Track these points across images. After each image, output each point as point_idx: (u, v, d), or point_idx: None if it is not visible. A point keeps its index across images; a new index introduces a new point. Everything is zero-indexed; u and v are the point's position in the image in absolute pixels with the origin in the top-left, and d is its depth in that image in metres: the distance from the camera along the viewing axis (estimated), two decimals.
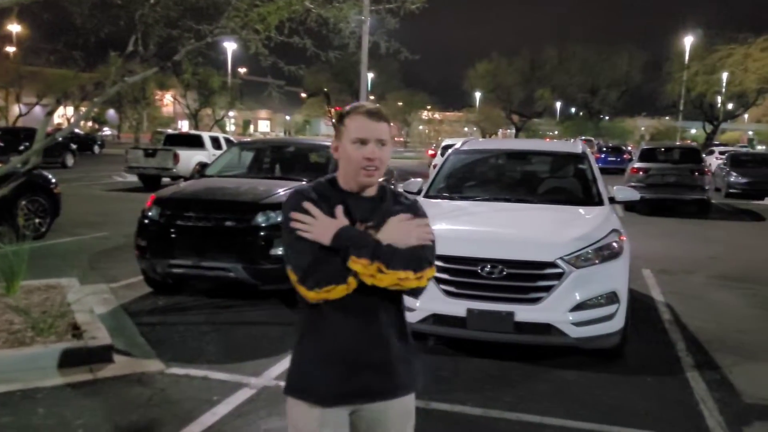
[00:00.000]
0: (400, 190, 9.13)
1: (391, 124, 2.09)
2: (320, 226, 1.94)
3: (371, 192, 2.08)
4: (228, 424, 3.91)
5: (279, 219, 6.22)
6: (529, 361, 5.08)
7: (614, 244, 4.98)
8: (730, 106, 42.69)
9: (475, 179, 6.72)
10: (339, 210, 1.98)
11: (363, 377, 2.02)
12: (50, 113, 6.55)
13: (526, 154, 6.97)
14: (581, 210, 5.73)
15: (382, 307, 2.04)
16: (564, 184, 6.53)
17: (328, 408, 2.02)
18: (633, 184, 15.92)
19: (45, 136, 6.58)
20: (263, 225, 6.23)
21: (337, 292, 1.92)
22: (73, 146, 27.57)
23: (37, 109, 41.64)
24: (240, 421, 3.97)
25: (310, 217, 1.95)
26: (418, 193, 6.36)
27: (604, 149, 36.83)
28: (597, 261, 4.83)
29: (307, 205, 1.96)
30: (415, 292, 2.00)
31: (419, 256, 1.98)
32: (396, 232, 1.97)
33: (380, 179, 2.08)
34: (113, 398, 4.28)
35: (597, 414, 4.18)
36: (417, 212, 2.10)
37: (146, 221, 6.60)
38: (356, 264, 1.90)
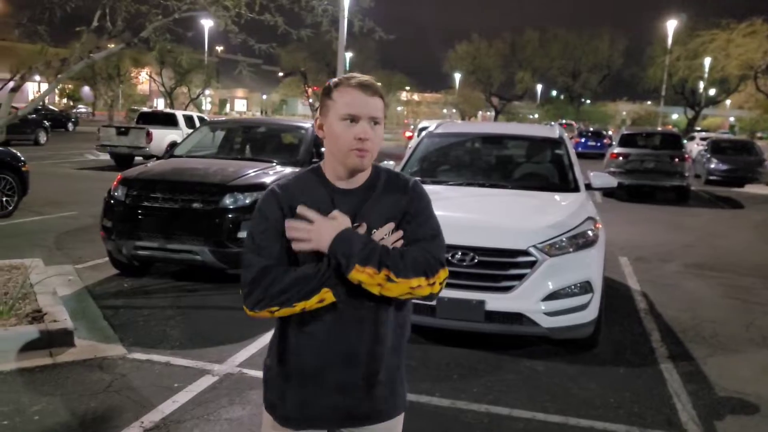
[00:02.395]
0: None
1: (385, 99, 1.82)
2: (318, 231, 1.69)
3: (362, 180, 1.82)
4: (188, 413, 3.78)
5: (247, 201, 6.15)
6: (500, 351, 4.99)
7: (589, 233, 4.87)
8: (712, 92, 42.91)
9: (448, 163, 6.57)
10: (337, 211, 1.74)
11: (340, 399, 1.81)
12: (14, 90, 6.27)
13: (501, 138, 6.83)
14: (557, 196, 5.62)
15: (373, 318, 1.79)
16: (540, 169, 6.41)
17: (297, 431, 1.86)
18: (612, 169, 15.92)
19: (8, 112, 6.31)
20: (231, 207, 6.06)
21: (281, 313, 1.71)
22: (47, 123, 27.07)
23: (11, 85, 40.73)
24: (200, 409, 3.83)
25: (304, 223, 1.70)
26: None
27: (584, 134, 36.81)
28: (571, 249, 4.72)
29: (303, 209, 1.72)
30: (429, 299, 1.77)
31: (431, 259, 1.73)
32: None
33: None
34: (72, 384, 4.13)
35: (566, 406, 4.09)
36: (413, 201, 1.83)
37: (112, 201, 6.41)
38: (361, 273, 1.65)
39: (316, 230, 1.69)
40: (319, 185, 1.80)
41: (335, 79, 1.79)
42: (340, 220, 1.71)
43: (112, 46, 6.79)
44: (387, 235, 1.76)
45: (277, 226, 1.74)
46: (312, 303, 1.69)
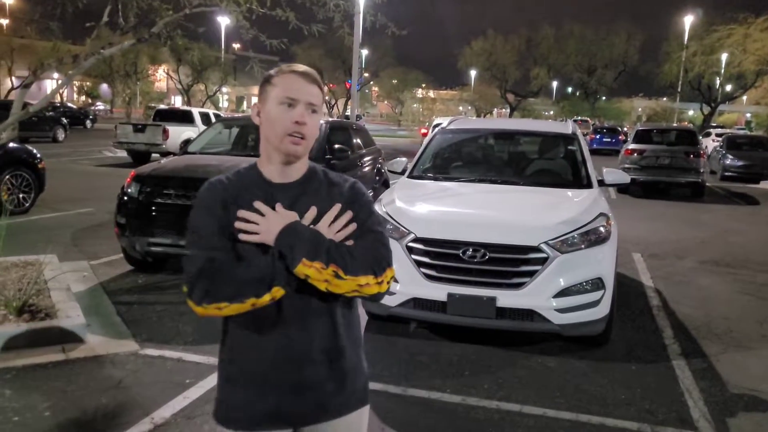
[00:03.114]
0: (386, 169, 8.90)
1: (324, 89, 1.82)
2: (266, 223, 1.67)
3: (298, 174, 1.79)
4: (198, 408, 3.81)
5: None
6: (511, 347, 4.98)
7: (601, 229, 4.85)
8: (728, 87, 42.45)
9: (461, 160, 6.56)
10: (279, 206, 1.71)
11: (291, 398, 1.75)
12: (26, 86, 6.34)
13: (514, 134, 6.80)
14: (569, 193, 5.59)
15: (324, 314, 1.76)
16: (552, 165, 6.38)
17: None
18: (627, 165, 15.83)
19: (21, 108, 6.38)
20: None
21: (233, 309, 1.63)
22: (65, 121, 27.33)
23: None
24: (211, 405, 3.83)
25: (255, 215, 1.68)
26: (403, 173, 6.21)
27: (600, 130, 36.58)
28: (583, 246, 4.70)
29: (256, 203, 1.70)
30: (375, 298, 1.74)
31: (379, 257, 1.72)
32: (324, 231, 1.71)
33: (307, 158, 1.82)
34: (84, 380, 4.17)
35: (577, 403, 4.08)
36: (355, 196, 1.80)
37: (125, 198, 6.46)
38: (309, 268, 1.62)
39: (265, 222, 1.67)
40: (257, 181, 1.77)
41: (276, 68, 1.80)
42: (288, 214, 1.70)
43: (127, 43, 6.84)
44: (332, 224, 1.74)
45: (221, 220, 1.70)
46: (264, 300, 1.64)
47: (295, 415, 1.78)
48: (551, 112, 71.42)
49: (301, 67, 1.78)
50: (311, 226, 1.71)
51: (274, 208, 1.71)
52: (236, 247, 1.69)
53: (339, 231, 1.73)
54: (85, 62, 5.92)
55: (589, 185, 5.73)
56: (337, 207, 1.75)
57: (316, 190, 1.80)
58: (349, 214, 1.75)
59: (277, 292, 1.65)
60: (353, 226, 1.75)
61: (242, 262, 1.68)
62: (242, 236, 1.69)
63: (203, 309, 1.65)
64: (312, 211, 1.73)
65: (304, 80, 1.74)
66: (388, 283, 1.73)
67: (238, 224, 1.69)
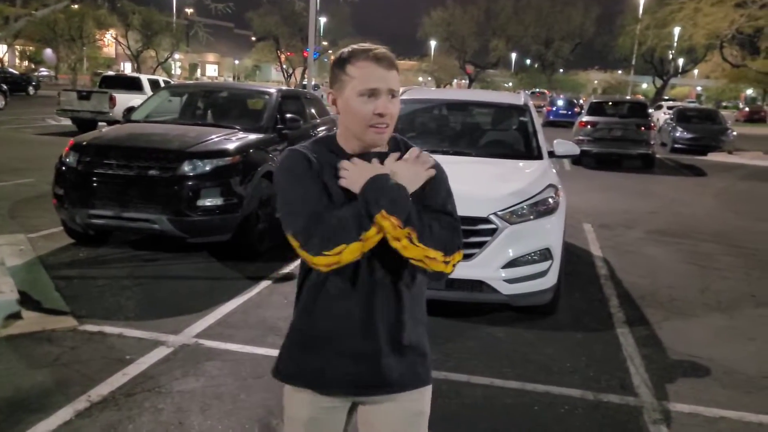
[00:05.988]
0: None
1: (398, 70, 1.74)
2: (355, 170, 1.67)
3: (380, 149, 1.77)
4: (139, 385, 3.69)
5: (207, 168, 6.00)
6: (461, 318, 4.99)
7: (550, 200, 4.86)
8: (680, 61, 43.25)
9: (414, 130, 6.46)
10: (376, 160, 1.70)
11: (354, 367, 1.76)
12: None
13: (467, 104, 6.74)
14: (520, 164, 5.59)
15: (392, 285, 1.75)
16: (504, 137, 6.35)
17: (321, 395, 1.81)
18: (581, 137, 16.03)
19: None
20: (190, 174, 5.89)
21: (350, 251, 1.61)
22: (5, 87, 26.18)
23: None
24: (152, 381, 3.75)
25: (348, 163, 1.69)
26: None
27: (556, 102, 36.93)
28: (532, 217, 4.70)
29: (354, 159, 1.71)
30: (437, 277, 1.71)
31: (452, 238, 1.71)
32: (405, 170, 1.69)
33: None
34: (18, 357, 4.01)
35: (524, 372, 4.12)
36: (437, 175, 1.77)
37: (63, 168, 6.20)
38: (385, 220, 1.60)
39: (355, 170, 1.67)
40: (336, 153, 1.75)
41: (348, 50, 1.71)
42: (379, 167, 1.68)
43: (85, 7, 6.50)
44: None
45: (311, 175, 1.69)
46: (371, 234, 1.62)
47: (352, 382, 1.78)
48: (510, 84, 71.81)
49: (378, 51, 1.69)
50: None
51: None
52: (332, 200, 1.69)
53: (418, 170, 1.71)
54: (15, 24, 5.60)
55: (539, 156, 5.73)
56: (417, 150, 1.74)
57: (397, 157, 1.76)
58: (429, 161, 1.74)
59: (382, 219, 1.61)
60: (431, 172, 1.73)
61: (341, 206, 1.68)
62: (340, 181, 1.69)
63: (324, 258, 1.61)
64: (393, 156, 1.71)
65: (382, 68, 1.67)
66: (454, 266, 1.71)
67: (335, 172, 1.70)
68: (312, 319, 1.79)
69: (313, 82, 19.79)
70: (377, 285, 1.74)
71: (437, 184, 1.76)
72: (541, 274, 4.69)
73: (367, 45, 1.71)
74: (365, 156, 1.74)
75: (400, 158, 1.73)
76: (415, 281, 1.80)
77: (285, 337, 1.90)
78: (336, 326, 1.75)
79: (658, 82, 44.15)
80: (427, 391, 1.87)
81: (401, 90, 7.87)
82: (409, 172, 1.68)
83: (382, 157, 1.73)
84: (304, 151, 1.74)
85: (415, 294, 1.82)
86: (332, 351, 1.76)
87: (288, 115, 7.45)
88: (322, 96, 11.90)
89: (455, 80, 71.01)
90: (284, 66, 52.09)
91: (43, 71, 54.26)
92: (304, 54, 36.64)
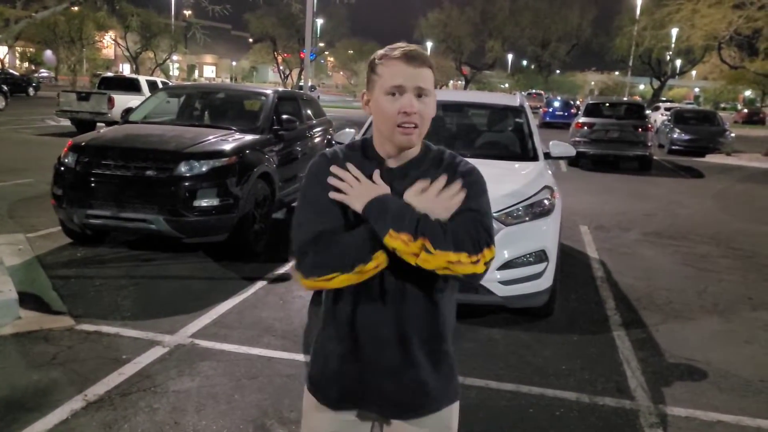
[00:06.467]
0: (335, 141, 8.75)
1: (434, 69, 1.65)
2: (358, 189, 1.60)
3: (410, 156, 1.69)
4: (134, 385, 3.70)
5: (204, 169, 6.00)
6: (462, 320, 4.97)
7: (545, 202, 4.86)
8: (677, 62, 43.29)
9: None
10: (377, 174, 1.63)
11: (381, 384, 1.69)
12: None
13: (462, 106, 6.75)
14: (515, 165, 5.59)
15: (417, 297, 1.66)
16: (499, 138, 6.36)
17: (339, 412, 1.75)
18: (577, 138, 16.04)
19: None
20: (186, 175, 5.90)
21: (341, 281, 1.57)
22: (5, 88, 26.17)
23: None
24: (147, 381, 3.76)
25: (350, 176, 1.62)
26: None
27: (553, 103, 36.98)
28: (527, 218, 4.71)
29: (349, 166, 1.64)
30: (472, 279, 1.58)
31: (475, 235, 1.57)
32: (420, 199, 1.59)
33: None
34: (15, 357, 4.02)
35: (520, 374, 4.12)
36: (467, 183, 1.64)
37: (62, 168, 6.21)
38: (395, 240, 1.53)
39: (357, 188, 1.61)
40: (368, 158, 1.71)
41: (380, 52, 1.68)
42: (381, 186, 1.62)
43: (86, 9, 6.51)
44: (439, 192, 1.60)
45: (329, 189, 1.65)
46: (369, 267, 1.57)
47: (381, 399, 1.71)
48: (506, 85, 71.82)
49: (405, 49, 1.64)
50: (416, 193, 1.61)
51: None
52: (347, 215, 1.64)
53: (445, 204, 1.60)
54: (16, 25, 5.61)
55: (535, 158, 5.74)
56: (444, 178, 1.62)
57: (427, 170, 1.69)
58: (457, 185, 1.61)
59: (382, 257, 1.57)
60: (461, 197, 1.60)
61: (348, 231, 1.62)
62: (332, 194, 1.63)
63: (312, 282, 1.60)
64: (419, 184, 1.61)
65: (408, 65, 1.61)
66: (486, 264, 1.59)
67: (330, 180, 1.63)
68: (334, 329, 1.73)
69: (309, 83, 19.78)
70: (406, 295, 1.66)
71: (466, 185, 1.65)
72: (537, 276, 4.70)
73: (399, 44, 1.67)
74: (401, 169, 1.68)
75: (436, 173, 1.65)
76: (447, 288, 1.71)
77: (314, 344, 1.84)
78: (360, 338, 1.68)
79: (656, 84, 44.17)
80: (455, 407, 1.80)
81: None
82: (431, 204, 1.59)
83: (415, 169, 1.68)
84: (329, 156, 1.72)
85: (449, 304, 1.75)
86: (360, 365, 1.70)
87: (284, 116, 7.46)
88: (318, 97, 11.87)
89: (451, 81, 70.97)
90: (281, 67, 52.09)
91: (43, 72, 54.25)
92: (301, 55, 36.67)
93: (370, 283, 1.62)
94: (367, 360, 1.69)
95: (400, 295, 1.65)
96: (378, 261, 1.58)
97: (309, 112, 9.09)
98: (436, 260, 1.54)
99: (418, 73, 1.61)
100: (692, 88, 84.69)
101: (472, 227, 1.58)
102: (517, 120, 6.23)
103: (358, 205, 1.59)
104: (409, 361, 1.68)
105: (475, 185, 1.67)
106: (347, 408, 1.75)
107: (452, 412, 1.79)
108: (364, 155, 1.72)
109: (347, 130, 6.38)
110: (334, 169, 1.64)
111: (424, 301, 1.67)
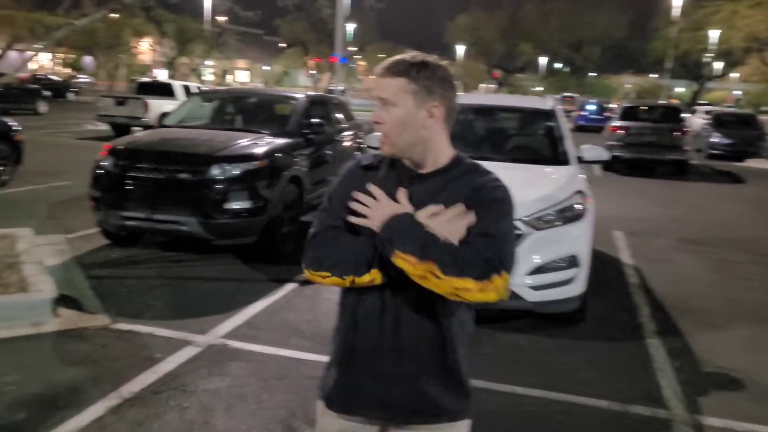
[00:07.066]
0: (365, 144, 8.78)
1: (410, 78, 1.62)
2: (376, 209, 1.60)
3: (436, 165, 1.68)
4: (165, 384, 3.76)
5: (235, 172, 6.08)
6: (483, 325, 4.94)
7: (577, 206, 4.81)
8: (718, 65, 42.35)
9: None
10: (401, 194, 1.61)
11: (382, 389, 1.69)
12: None
13: (492, 109, 6.72)
14: (547, 169, 5.54)
15: (423, 305, 1.63)
16: (530, 141, 6.32)
17: (345, 417, 1.75)
18: (612, 142, 15.78)
19: None
20: (218, 178, 5.98)
21: (333, 282, 1.61)
22: (47, 93, 26.83)
23: (14, 54, 40.60)
24: (178, 380, 3.82)
25: (370, 199, 1.61)
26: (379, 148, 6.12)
27: (587, 107, 36.44)
28: (558, 223, 4.66)
29: (370, 186, 1.63)
30: (485, 305, 1.54)
31: (484, 259, 1.50)
32: (430, 222, 1.56)
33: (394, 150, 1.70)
34: (52, 354, 4.14)
35: (545, 380, 4.07)
36: (485, 201, 1.60)
37: (100, 171, 6.35)
38: (402, 261, 1.51)
39: (375, 208, 1.59)
40: (394, 167, 1.73)
41: None
42: (402, 204, 1.60)
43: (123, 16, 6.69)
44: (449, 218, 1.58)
45: (353, 189, 1.69)
46: (363, 281, 1.60)
47: (382, 405, 1.71)
48: (540, 88, 71.18)
49: (383, 63, 1.69)
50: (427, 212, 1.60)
51: (394, 197, 1.62)
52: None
53: (451, 228, 1.57)
54: (56, 33, 5.77)
55: (566, 162, 5.67)
56: (459, 207, 1.59)
57: (450, 184, 1.66)
58: (467, 217, 1.57)
59: (377, 274, 1.60)
60: (469, 220, 1.57)
61: (354, 237, 1.65)
62: (351, 218, 1.65)
63: (310, 274, 1.66)
64: (431, 208, 1.59)
65: (377, 77, 1.67)
66: (497, 291, 1.51)
67: (351, 204, 1.65)
68: (346, 336, 1.74)
69: (341, 87, 19.84)
70: (411, 306, 1.64)
71: (487, 206, 1.61)
72: (568, 281, 4.64)
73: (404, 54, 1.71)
74: (423, 177, 1.68)
75: (457, 188, 1.65)
76: (457, 304, 1.65)
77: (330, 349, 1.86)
78: (367, 346, 1.69)
79: (694, 86, 43.29)
80: (463, 425, 1.77)
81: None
82: (440, 228, 1.55)
83: (439, 176, 1.67)
84: (362, 161, 1.79)
85: (459, 315, 1.70)
86: (363, 371, 1.71)
87: (314, 120, 7.53)
88: (349, 99, 11.95)
89: (482, 84, 70.62)
90: (313, 72, 52.48)
91: (83, 78, 55.56)
92: (331, 59, 36.89)
93: (372, 291, 1.64)
94: (362, 366, 1.71)
95: (398, 307, 1.65)
96: (372, 276, 1.60)
97: (339, 115, 9.15)
98: (443, 285, 1.50)
99: (380, 83, 1.65)
100: (732, 91, 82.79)
101: (482, 252, 1.51)
102: (548, 123, 6.18)
103: (375, 224, 1.59)
104: (411, 370, 1.67)
105: (496, 207, 1.61)
106: (353, 414, 1.75)
107: (457, 428, 1.75)
108: (390, 165, 1.73)
109: (377, 134, 6.40)
110: (354, 194, 1.64)
111: (421, 314, 1.65)
